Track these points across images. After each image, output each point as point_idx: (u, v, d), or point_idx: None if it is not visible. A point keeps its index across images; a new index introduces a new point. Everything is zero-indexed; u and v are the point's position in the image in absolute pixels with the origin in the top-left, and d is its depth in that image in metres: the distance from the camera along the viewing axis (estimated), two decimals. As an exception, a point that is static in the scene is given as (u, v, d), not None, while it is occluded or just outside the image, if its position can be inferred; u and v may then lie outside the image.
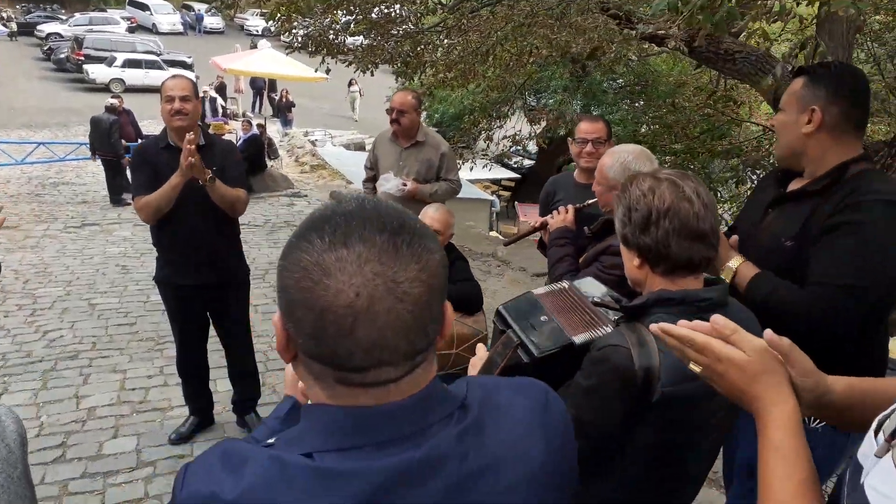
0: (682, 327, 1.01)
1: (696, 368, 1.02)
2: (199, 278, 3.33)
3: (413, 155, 4.42)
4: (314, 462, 0.74)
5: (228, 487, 0.72)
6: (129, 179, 10.59)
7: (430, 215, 3.18)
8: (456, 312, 3.09)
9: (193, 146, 2.96)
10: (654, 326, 1.07)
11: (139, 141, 11.76)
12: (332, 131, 20.15)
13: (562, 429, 0.91)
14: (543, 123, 13.62)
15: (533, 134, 13.82)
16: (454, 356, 3.05)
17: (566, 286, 1.72)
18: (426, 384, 0.80)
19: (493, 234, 14.04)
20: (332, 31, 9.06)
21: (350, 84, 22.38)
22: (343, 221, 0.75)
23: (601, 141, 3.15)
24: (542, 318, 1.57)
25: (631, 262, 1.44)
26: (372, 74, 9.25)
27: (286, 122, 19.58)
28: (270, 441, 0.84)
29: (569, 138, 3.37)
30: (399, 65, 8.84)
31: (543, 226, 2.74)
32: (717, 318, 0.99)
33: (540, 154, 15.56)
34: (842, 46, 5.10)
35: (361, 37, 10.10)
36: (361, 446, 0.75)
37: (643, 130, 9.10)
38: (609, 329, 1.55)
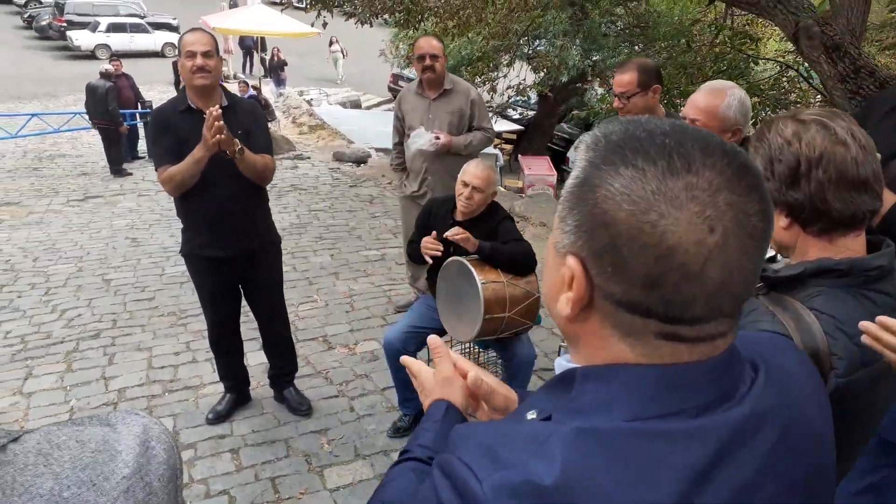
0: None
1: None
2: (231, 249, 3.14)
3: (442, 106, 4.19)
4: (639, 427, 0.64)
5: (542, 470, 0.61)
6: (131, 147, 10.35)
7: (472, 172, 2.97)
8: (508, 274, 2.91)
9: (220, 121, 2.72)
10: (866, 325, 0.90)
11: (139, 107, 11.39)
12: (327, 90, 19.65)
13: (822, 383, 0.87)
14: (545, 71, 13.29)
15: (536, 82, 13.49)
16: (506, 319, 2.89)
17: None
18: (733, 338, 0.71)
19: (500, 189, 13.78)
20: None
21: (331, 44, 21.55)
22: (674, 143, 0.64)
23: (627, 95, 2.95)
24: None
25: (776, 224, 1.22)
26: (371, 25, 8.89)
27: (279, 82, 19.07)
28: (532, 416, 0.70)
29: None
30: (400, 14, 8.49)
31: None
32: None
33: (541, 103, 15.19)
34: None
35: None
36: (686, 409, 0.65)
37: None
38: None
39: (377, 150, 11.88)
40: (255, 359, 4.01)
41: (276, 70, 19.05)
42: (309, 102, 17.13)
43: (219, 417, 3.51)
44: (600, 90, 16.76)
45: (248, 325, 3.68)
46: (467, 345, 3.74)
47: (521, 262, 2.91)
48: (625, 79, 2.96)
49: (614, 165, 0.65)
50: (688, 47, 8.08)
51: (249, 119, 3.07)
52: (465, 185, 2.96)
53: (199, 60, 2.84)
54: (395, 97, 21.65)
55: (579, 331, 0.72)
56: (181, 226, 3.20)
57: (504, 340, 3.08)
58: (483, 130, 4.27)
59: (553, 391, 0.73)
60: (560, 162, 15.24)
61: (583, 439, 0.62)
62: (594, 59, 15.77)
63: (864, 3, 4.83)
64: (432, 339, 1.12)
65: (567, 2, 13.26)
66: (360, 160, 11.32)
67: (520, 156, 15.12)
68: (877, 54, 7.55)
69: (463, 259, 2.90)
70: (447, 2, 8.57)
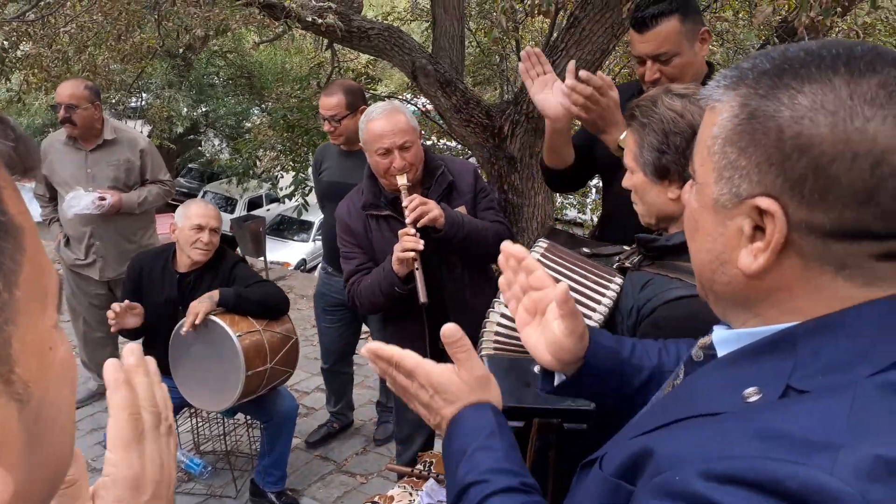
0: None
1: None
2: None
3: (104, 158, 3.57)
4: None
5: (885, 443, 0.52)
6: None
7: (202, 213, 2.60)
8: (260, 321, 2.61)
9: None
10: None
11: None
12: None
13: None
14: (156, 124, 12.60)
15: (151, 134, 12.71)
16: (269, 371, 2.59)
17: (542, 249, 1.49)
18: None
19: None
20: None
21: None
22: (843, 50, 0.61)
23: (338, 118, 2.98)
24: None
25: (664, 196, 1.29)
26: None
27: None
28: (755, 396, 0.61)
29: None
30: (-16, 64, 7.05)
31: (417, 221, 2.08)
32: None
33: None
34: (455, 18, 5.69)
35: None
36: None
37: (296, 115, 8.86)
38: (617, 282, 1.39)
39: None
40: None
41: None
42: None
43: None
44: (216, 141, 16.48)
45: None
46: (204, 413, 3.27)
47: (272, 304, 2.64)
48: (332, 102, 2.97)
49: (788, 87, 0.60)
50: (318, 88, 8.39)
51: None
52: (200, 228, 2.58)
53: None
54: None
55: (770, 284, 0.64)
56: None
57: (259, 399, 2.73)
58: (160, 183, 3.75)
59: (759, 359, 0.64)
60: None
61: (893, 400, 0.55)
62: (204, 109, 15.46)
63: (461, 45, 5.71)
64: (451, 328, 0.88)
65: (167, 53, 12.75)
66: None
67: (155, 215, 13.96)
68: (474, 86, 8.83)
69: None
70: (39, 54, 7.41)
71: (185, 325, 2.46)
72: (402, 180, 2.10)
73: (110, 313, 2.55)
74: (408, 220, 2.02)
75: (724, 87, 0.66)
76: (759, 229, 0.63)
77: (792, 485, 0.51)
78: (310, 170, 5.34)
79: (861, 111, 0.57)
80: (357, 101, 2.99)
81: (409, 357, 0.89)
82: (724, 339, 0.70)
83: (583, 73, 1.77)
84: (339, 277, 3.19)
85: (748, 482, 0.53)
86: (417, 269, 1.99)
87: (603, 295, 1.36)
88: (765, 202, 0.61)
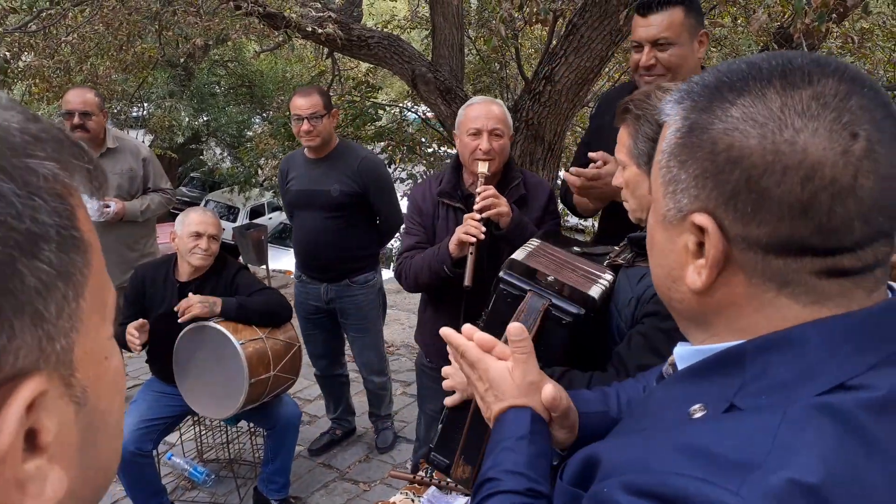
0: None
1: None
2: None
3: (107, 167, 3.58)
4: (871, 392, 0.55)
5: (801, 466, 0.51)
6: None
7: (200, 220, 2.62)
8: (264, 328, 2.62)
9: None
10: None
11: None
12: None
13: None
14: (157, 133, 12.65)
15: (152, 144, 12.79)
16: (273, 379, 2.60)
17: (538, 243, 1.54)
18: None
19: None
20: None
21: None
22: (783, 62, 0.60)
23: (318, 116, 3.02)
24: (550, 278, 1.38)
25: None
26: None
27: None
28: (700, 412, 0.61)
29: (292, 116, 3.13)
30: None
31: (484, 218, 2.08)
32: None
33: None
34: (455, 27, 5.71)
35: None
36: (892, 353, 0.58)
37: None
38: (609, 276, 1.43)
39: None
40: None
41: None
42: None
43: None
44: (218, 150, 16.53)
45: None
46: (207, 421, 3.28)
47: (276, 311, 2.66)
48: (310, 102, 3.02)
49: (724, 100, 0.60)
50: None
51: None
52: (198, 235, 2.60)
53: None
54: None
55: (720, 301, 0.63)
56: None
57: (262, 407, 2.74)
58: (161, 192, 3.79)
59: (709, 376, 0.64)
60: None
61: (827, 421, 0.53)
62: (205, 118, 15.51)
63: (460, 53, 5.71)
64: (518, 328, 0.90)
65: (167, 63, 12.81)
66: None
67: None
68: (474, 94, 8.87)
69: (208, 322, 2.53)
70: (42, 65, 7.46)
71: (179, 313, 2.52)
72: (482, 168, 2.14)
73: (131, 338, 2.58)
74: (476, 207, 2.05)
75: (673, 102, 0.66)
76: (702, 245, 0.62)
77: (699, 502, 0.51)
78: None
79: (791, 123, 0.57)
80: (329, 104, 3.09)
81: (473, 349, 0.93)
82: (681, 356, 0.71)
83: (573, 170, 1.93)
84: (313, 285, 3.26)
85: (661, 497, 0.53)
86: (471, 253, 2.01)
87: (588, 288, 1.38)
88: (699, 218, 0.61)
